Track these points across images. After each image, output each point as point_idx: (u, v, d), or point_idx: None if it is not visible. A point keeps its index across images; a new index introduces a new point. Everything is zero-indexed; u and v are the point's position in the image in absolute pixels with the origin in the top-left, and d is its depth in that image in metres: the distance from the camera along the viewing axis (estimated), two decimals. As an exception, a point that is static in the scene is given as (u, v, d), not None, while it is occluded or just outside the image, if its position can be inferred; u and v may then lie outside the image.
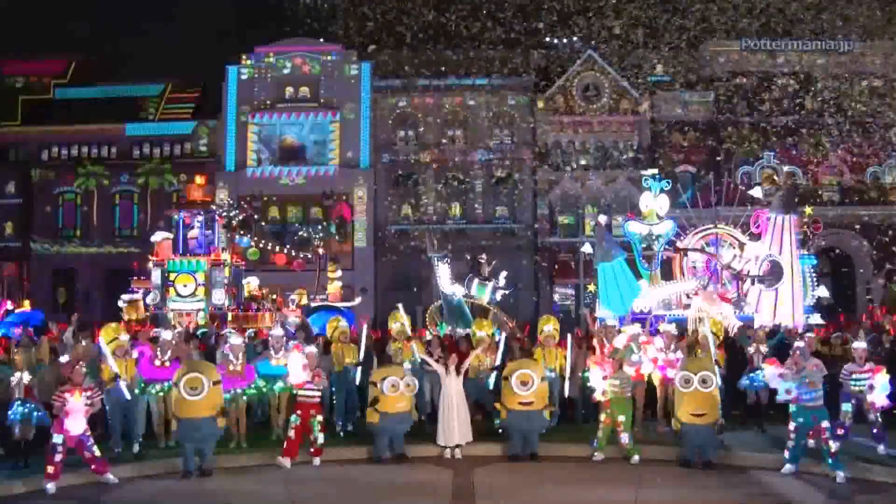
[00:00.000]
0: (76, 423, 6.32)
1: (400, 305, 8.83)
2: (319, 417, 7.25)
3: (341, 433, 8.10)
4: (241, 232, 17.62)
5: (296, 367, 7.26)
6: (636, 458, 7.20)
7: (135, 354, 7.58)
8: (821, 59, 22.81)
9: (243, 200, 22.17)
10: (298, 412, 7.15)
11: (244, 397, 7.71)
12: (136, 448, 7.32)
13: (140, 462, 7.10)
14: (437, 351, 8.23)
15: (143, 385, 7.46)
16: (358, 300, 10.95)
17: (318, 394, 7.31)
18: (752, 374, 8.00)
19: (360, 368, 8.37)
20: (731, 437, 7.59)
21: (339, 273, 16.35)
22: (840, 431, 7.14)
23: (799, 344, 7.16)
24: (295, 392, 7.31)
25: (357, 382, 8.35)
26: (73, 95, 24.84)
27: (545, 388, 7.58)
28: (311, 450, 7.27)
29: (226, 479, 6.81)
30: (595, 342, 8.24)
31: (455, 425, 7.44)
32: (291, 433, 7.09)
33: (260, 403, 8.24)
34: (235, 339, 7.93)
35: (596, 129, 23.40)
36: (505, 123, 23.93)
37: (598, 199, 23.14)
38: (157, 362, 7.51)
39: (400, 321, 8.77)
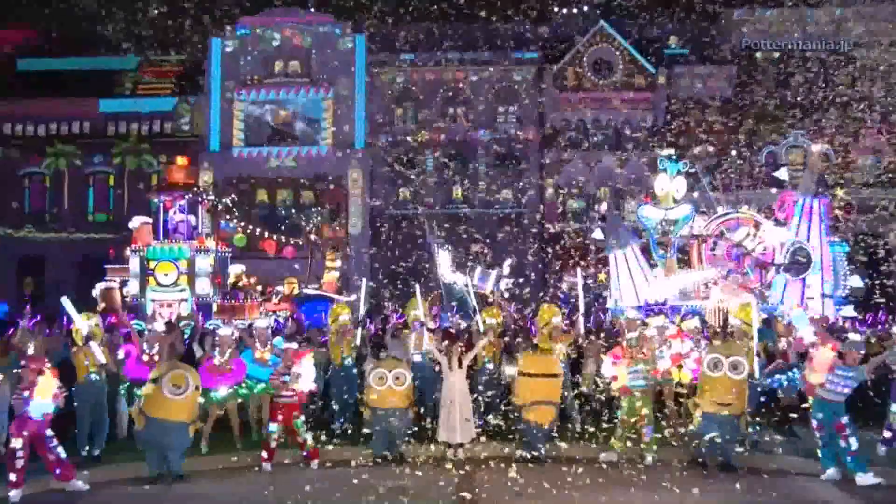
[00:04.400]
0: (40, 407, 6.12)
1: (417, 290, 8.83)
2: (302, 418, 7.21)
3: (338, 431, 8.07)
4: (227, 217, 17.41)
5: (309, 373, 7.18)
6: (649, 458, 7.10)
7: (120, 355, 7.46)
8: (854, 28, 22.13)
9: (229, 183, 21.92)
10: (280, 417, 7.03)
11: (237, 396, 7.65)
12: (96, 452, 7.15)
13: (109, 466, 6.96)
14: (440, 342, 8.23)
15: (127, 386, 7.36)
16: (354, 297, 11.28)
17: (296, 397, 7.22)
18: (787, 372, 7.70)
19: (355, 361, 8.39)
20: (759, 438, 7.46)
21: (338, 263, 16.33)
22: (887, 434, 6.98)
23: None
24: (273, 394, 7.21)
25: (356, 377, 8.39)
26: (40, 67, 24.01)
27: (558, 385, 7.52)
28: (306, 453, 7.19)
29: (210, 482, 6.70)
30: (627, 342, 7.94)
31: (457, 422, 7.36)
32: (273, 443, 7.02)
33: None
34: (224, 331, 7.77)
35: (608, 106, 23.05)
36: (510, 101, 23.63)
37: (610, 182, 22.87)
38: (146, 357, 7.38)
39: (416, 308, 8.73)
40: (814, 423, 6.58)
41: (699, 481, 6.50)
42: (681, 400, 7.82)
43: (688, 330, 8.32)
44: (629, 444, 7.22)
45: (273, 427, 7.04)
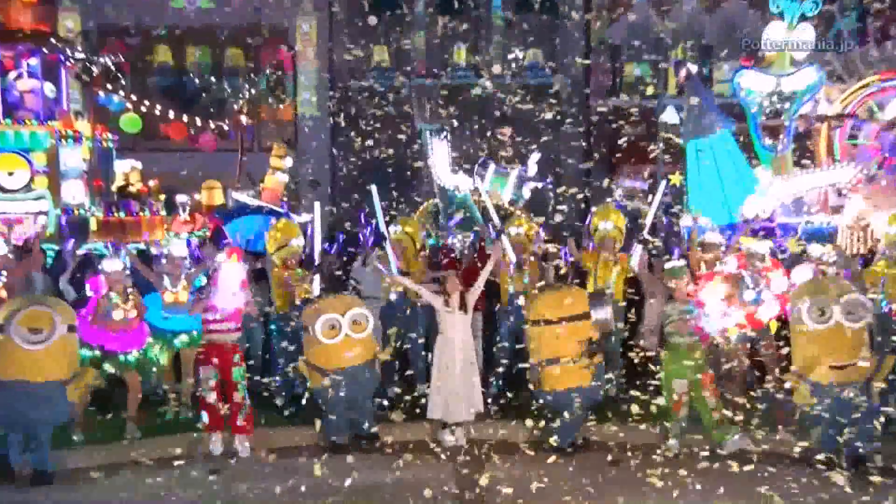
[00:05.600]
0: None
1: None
2: (244, 367, 7.45)
3: (283, 406, 8.28)
4: (109, 87, 16.29)
5: (234, 279, 7.29)
6: (735, 438, 7.13)
7: None
8: None
9: (109, 33, 20.80)
10: (215, 361, 7.21)
11: (145, 361, 7.83)
12: None
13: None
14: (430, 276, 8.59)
15: None
16: (308, 217, 11.51)
17: (238, 333, 7.43)
18: None
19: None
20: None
21: (288, 162, 16.07)
22: None
23: None
24: (202, 334, 7.42)
25: None
26: None
27: (586, 330, 7.53)
28: (238, 423, 7.35)
29: (117, 481, 6.73)
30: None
31: (459, 391, 7.47)
32: (211, 396, 7.18)
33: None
34: (112, 265, 7.70)
35: None
36: None
37: (691, 36, 21.73)
38: None
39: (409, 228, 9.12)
40: None
41: (816, 488, 6.27)
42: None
43: (816, 258, 8.32)
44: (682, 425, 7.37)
45: (208, 371, 7.22)
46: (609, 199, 9.99)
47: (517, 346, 8.46)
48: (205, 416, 7.25)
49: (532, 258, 9.14)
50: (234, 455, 7.34)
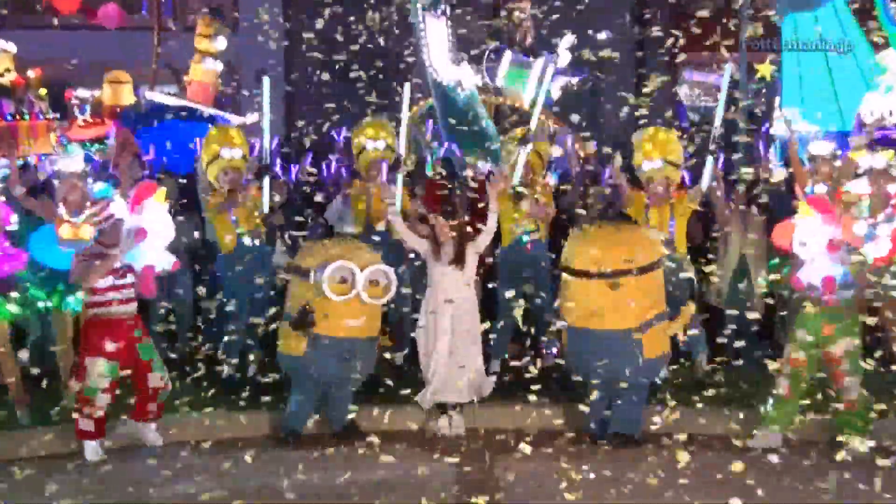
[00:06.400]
0: None
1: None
2: (150, 341, 7.58)
3: (227, 376, 8.55)
4: None
5: (165, 226, 7.40)
6: (863, 445, 7.10)
7: None
8: None
9: None
10: (110, 349, 7.20)
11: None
12: None
13: None
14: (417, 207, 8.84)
15: None
16: (252, 118, 11.76)
17: (134, 297, 7.50)
18: None
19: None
20: None
21: (220, 42, 16.12)
22: None
23: None
24: (85, 307, 7.53)
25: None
26: None
27: (657, 283, 7.63)
28: (154, 407, 7.54)
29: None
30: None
31: (456, 366, 7.69)
32: (102, 399, 7.24)
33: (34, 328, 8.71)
34: None
35: None
36: None
37: None
38: None
39: (382, 137, 9.33)
40: None
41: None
42: None
43: None
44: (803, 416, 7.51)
45: (101, 365, 7.20)
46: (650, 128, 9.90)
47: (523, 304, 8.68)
48: (85, 422, 7.23)
49: (543, 185, 9.29)
50: (141, 447, 7.46)
